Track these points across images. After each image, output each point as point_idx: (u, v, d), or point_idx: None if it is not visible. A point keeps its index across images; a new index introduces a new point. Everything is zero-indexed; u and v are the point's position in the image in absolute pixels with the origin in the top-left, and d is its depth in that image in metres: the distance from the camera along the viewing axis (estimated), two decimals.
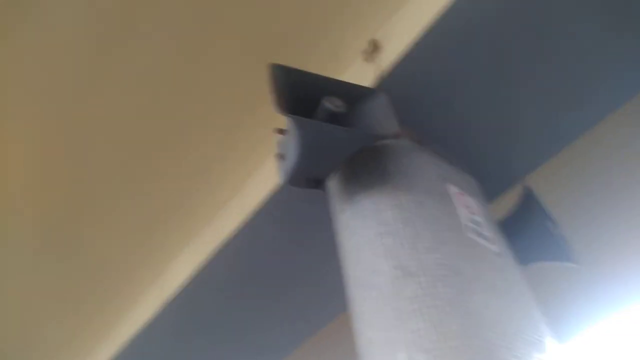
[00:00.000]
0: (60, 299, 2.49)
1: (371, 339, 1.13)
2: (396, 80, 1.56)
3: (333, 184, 1.53)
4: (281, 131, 1.51)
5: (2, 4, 1.48)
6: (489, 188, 1.78)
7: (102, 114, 1.80)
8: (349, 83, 1.50)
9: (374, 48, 1.66)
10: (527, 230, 1.73)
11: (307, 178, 1.40)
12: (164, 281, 2.35)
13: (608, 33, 1.54)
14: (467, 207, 1.50)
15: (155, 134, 1.87)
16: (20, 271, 2.30)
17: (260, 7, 1.63)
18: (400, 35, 1.56)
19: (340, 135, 1.33)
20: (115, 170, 1.97)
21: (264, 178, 1.91)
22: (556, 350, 1.30)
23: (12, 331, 2.70)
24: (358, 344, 1.18)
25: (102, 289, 2.46)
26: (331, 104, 1.36)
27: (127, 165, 1.96)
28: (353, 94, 1.45)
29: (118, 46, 1.64)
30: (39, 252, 2.23)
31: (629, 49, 1.59)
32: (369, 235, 1.30)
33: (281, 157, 1.43)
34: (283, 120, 1.37)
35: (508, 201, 1.84)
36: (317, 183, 1.45)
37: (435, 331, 1.07)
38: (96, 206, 2.08)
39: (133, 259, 2.32)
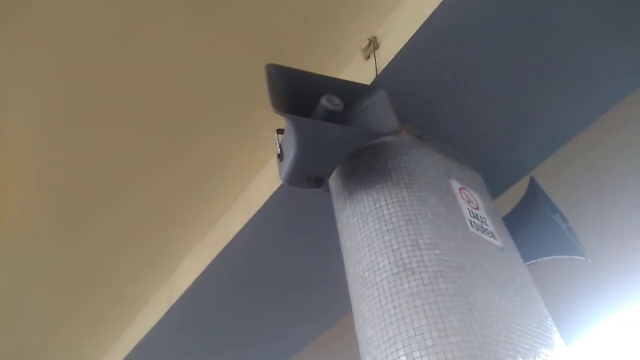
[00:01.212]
0: (69, 302, 2.53)
1: (371, 338, 1.12)
2: (396, 77, 1.55)
3: (334, 183, 1.53)
4: (281, 131, 1.51)
5: (2, 3, 1.49)
6: (494, 183, 1.76)
7: (107, 113, 1.81)
8: (347, 81, 1.50)
9: (374, 45, 1.65)
10: (534, 224, 1.70)
11: (307, 178, 1.40)
12: (172, 283, 2.37)
13: (609, 30, 1.51)
14: (470, 202, 1.49)
15: (160, 137, 1.89)
16: (28, 274, 2.34)
17: (261, 8, 1.62)
18: (399, 31, 1.54)
19: (338, 133, 1.32)
20: (122, 174, 1.99)
21: (268, 179, 1.92)
22: (563, 346, 1.29)
23: (20, 335, 2.74)
24: (359, 342, 1.17)
25: (112, 292, 2.49)
26: (329, 102, 1.36)
27: (133, 169, 1.97)
28: (352, 92, 1.44)
29: (123, 48, 1.64)
30: (47, 253, 2.26)
31: (630, 47, 1.56)
32: (370, 233, 1.30)
33: (281, 157, 1.42)
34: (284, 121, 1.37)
35: (514, 197, 1.82)
36: (318, 183, 1.44)
37: (436, 328, 1.07)
38: (104, 209, 2.10)
39: (141, 262, 2.35)
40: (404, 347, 1.05)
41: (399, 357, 1.05)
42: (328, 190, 1.58)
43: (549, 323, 1.32)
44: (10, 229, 2.12)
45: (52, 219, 2.10)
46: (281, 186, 1.81)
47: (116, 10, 1.57)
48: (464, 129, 1.72)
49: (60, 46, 1.63)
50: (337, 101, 1.37)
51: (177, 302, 2.25)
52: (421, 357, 1.03)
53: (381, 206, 1.34)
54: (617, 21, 1.50)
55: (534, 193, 1.74)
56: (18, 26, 1.56)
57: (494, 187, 1.74)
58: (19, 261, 2.27)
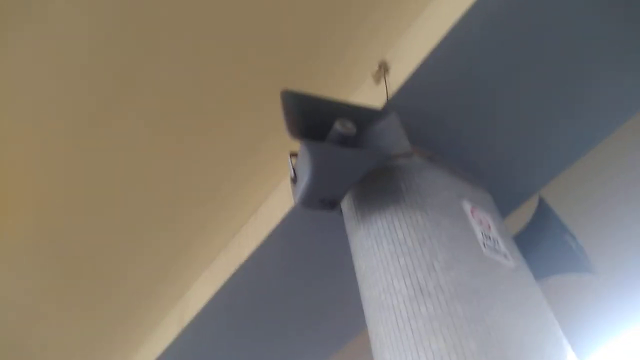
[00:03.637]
0: (78, 324, 2.53)
1: None
2: (406, 100, 1.58)
3: (346, 205, 1.54)
4: (295, 155, 1.54)
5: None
6: (503, 202, 1.78)
7: (118, 134, 1.83)
8: (359, 105, 1.52)
9: (383, 69, 1.68)
10: (543, 242, 1.72)
11: (320, 200, 1.42)
12: (182, 307, 2.37)
13: (624, 53, 1.54)
14: (482, 223, 1.50)
15: (170, 160, 1.91)
16: (36, 298, 2.34)
17: (271, 34, 1.66)
18: (408, 55, 1.58)
19: (351, 156, 1.35)
20: (132, 197, 2.00)
21: (279, 201, 1.93)
22: None
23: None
24: None
25: (122, 317, 2.49)
26: (342, 126, 1.39)
27: (145, 192, 1.99)
28: (364, 116, 1.47)
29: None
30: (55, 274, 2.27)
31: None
32: (384, 255, 1.31)
33: (295, 180, 1.44)
34: (297, 145, 1.40)
35: (524, 215, 1.83)
36: (331, 205, 1.46)
37: (455, 351, 1.07)
38: (114, 233, 2.11)
39: (151, 287, 2.36)
40: None
41: None
42: (340, 212, 1.60)
43: (564, 342, 1.33)
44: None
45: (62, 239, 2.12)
46: (291, 208, 1.83)
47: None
48: (474, 149, 1.74)
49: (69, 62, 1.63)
50: (350, 125, 1.40)
51: (186, 327, 2.25)
52: None
53: (395, 228, 1.35)
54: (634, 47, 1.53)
55: (544, 213, 1.75)
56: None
57: (504, 207, 1.75)
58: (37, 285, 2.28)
